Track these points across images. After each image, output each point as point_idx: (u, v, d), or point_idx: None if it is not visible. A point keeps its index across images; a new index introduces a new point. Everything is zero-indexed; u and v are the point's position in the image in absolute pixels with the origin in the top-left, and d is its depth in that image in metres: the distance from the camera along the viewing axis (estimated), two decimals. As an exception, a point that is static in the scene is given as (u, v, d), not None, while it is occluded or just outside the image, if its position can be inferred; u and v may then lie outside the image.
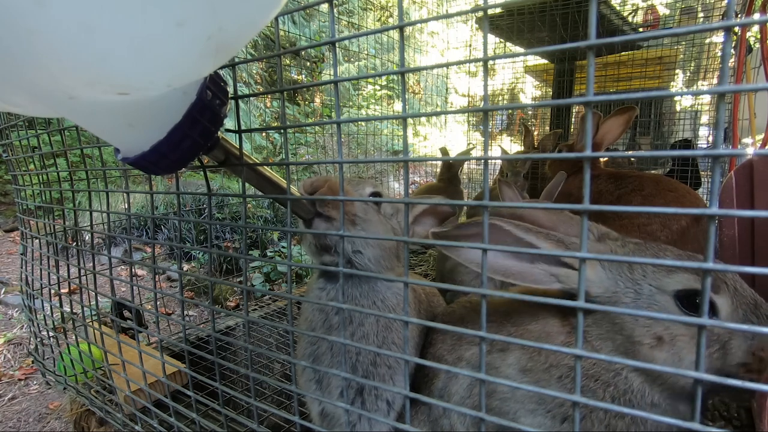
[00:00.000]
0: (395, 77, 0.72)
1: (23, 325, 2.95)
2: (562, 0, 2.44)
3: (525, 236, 0.67)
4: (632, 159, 3.19)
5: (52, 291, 1.29)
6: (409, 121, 0.60)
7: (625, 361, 0.42)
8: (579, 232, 0.60)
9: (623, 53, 3.14)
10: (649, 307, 0.63)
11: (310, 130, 5.23)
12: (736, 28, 2.01)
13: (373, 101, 7.94)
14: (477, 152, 3.56)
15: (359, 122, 4.37)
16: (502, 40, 3.20)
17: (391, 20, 7.33)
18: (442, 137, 7.84)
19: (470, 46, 3.93)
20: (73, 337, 1.23)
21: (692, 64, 3.87)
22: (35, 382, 2.43)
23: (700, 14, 3.36)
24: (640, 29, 3.33)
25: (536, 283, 0.68)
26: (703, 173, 2.88)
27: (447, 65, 0.54)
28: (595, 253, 0.71)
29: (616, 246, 0.72)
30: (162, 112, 0.52)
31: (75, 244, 1.23)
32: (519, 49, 3.16)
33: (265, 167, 0.67)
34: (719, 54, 1.99)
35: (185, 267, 3.93)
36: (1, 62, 0.37)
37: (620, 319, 0.65)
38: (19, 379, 2.44)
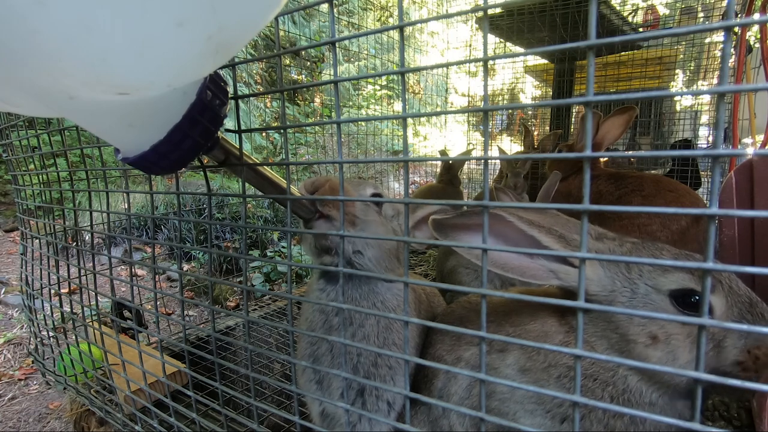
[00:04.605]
0: (395, 77, 0.72)
1: (23, 325, 2.95)
2: (562, 0, 2.44)
3: (528, 229, 0.67)
4: (632, 159, 3.19)
5: (52, 291, 1.29)
6: (409, 121, 0.60)
7: (626, 362, 0.42)
8: (576, 232, 0.60)
9: (623, 53, 3.14)
10: (644, 306, 0.64)
11: (310, 130, 5.23)
12: (736, 28, 2.01)
13: (373, 101, 7.94)
14: (477, 152, 3.56)
15: (359, 122, 4.37)
16: (502, 40, 3.20)
17: (391, 20, 7.33)
18: (442, 137, 7.83)
19: (470, 46, 3.93)
20: (73, 337, 1.23)
21: (692, 64, 3.88)
22: (35, 382, 2.43)
23: (700, 14, 3.36)
24: (640, 29, 3.33)
25: (535, 278, 0.68)
26: (703, 173, 2.88)
27: (447, 65, 0.54)
28: (594, 251, 0.71)
29: (615, 245, 0.72)
30: (162, 112, 0.52)
31: (75, 244, 1.23)
32: (519, 49, 3.16)
33: (265, 167, 0.67)
34: (719, 54, 1.99)
35: (185, 267, 3.93)
36: (2, 62, 0.37)
37: (615, 317, 0.65)
38: (19, 379, 2.44)
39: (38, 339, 1.47)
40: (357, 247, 0.79)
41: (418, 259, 2.61)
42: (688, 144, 3.19)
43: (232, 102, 0.67)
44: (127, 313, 1.55)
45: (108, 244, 2.98)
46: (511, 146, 6.99)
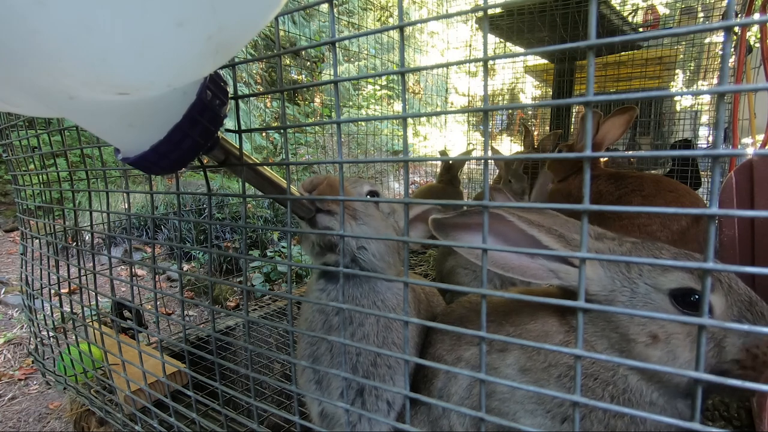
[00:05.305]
0: (395, 77, 0.71)
1: (23, 325, 2.95)
2: (562, 0, 2.44)
3: (528, 229, 0.67)
4: (632, 159, 3.19)
5: (52, 291, 1.29)
6: (409, 121, 0.60)
7: (625, 362, 0.42)
8: (576, 232, 0.60)
9: (623, 53, 3.14)
10: (644, 306, 0.64)
11: (310, 130, 5.23)
12: (736, 28, 2.01)
13: (373, 101, 7.94)
14: (477, 152, 3.56)
15: (359, 122, 4.37)
16: (502, 40, 3.20)
17: (391, 20, 7.33)
18: (442, 137, 7.84)
19: (470, 46, 3.93)
20: (73, 337, 1.23)
21: (692, 64, 3.87)
22: (35, 382, 2.43)
23: (700, 14, 3.36)
24: (640, 29, 3.33)
25: (535, 278, 0.68)
26: (703, 173, 2.88)
27: (447, 65, 0.54)
28: (594, 251, 0.71)
29: (614, 245, 0.72)
30: (162, 112, 0.52)
31: (75, 244, 1.23)
32: (519, 49, 3.16)
33: (265, 167, 0.67)
34: (719, 54, 1.99)
35: (185, 267, 3.93)
36: (2, 62, 0.37)
37: (616, 317, 0.65)
38: (19, 379, 2.44)
39: (38, 339, 1.47)
40: (361, 243, 0.79)
41: (418, 259, 2.61)
42: (688, 144, 3.19)
43: (232, 102, 0.67)
44: (127, 313, 1.55)
45: (108, 244, 2.98)
46: (511, 146, 6.99)
